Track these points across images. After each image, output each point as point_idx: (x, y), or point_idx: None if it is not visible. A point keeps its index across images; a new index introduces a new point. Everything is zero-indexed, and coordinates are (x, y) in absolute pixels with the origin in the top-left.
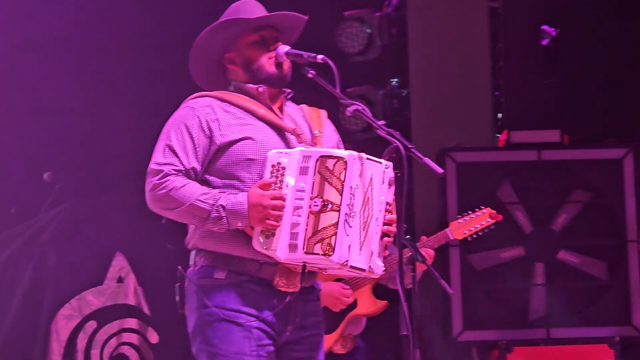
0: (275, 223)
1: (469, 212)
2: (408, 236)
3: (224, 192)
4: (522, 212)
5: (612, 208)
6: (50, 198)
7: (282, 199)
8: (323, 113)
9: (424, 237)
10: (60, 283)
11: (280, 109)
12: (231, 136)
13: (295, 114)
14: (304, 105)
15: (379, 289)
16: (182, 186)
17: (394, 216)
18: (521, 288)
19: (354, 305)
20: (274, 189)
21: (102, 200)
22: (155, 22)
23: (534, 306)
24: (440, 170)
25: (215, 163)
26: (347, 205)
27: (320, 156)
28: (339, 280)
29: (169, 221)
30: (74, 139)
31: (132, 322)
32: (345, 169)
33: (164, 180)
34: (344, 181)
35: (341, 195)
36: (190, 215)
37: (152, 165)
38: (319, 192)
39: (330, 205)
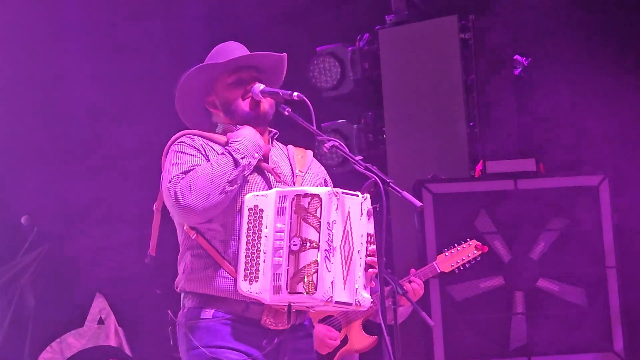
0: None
1: (455, 244)
2: (388, 270)
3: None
4: (501, 241)
5: (590, 235)
6: (28, 241)
7: None
8: (309, 153)
9: (412, 270)
10: (40, 326)
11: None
12: None
13: (279, 154)
14: (290, 146)
15: (369, 324)
16: (193, 168)
17: (373, 247)
18: (502, 317)
19: (345, 341)
20: (252, 232)
21: (80, 242)
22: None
23: (515, 335)
24: (419, 203)
25: None
26: (326, 241)
27: (296, 195)
28: (326, 317)
29: (151, 262)
30: (51, 182)
31: None
32: (321, 205)
33: (180, 178)
34: (320, 218)
35: (319, 232)
36: (220, 173)
37: (167, 184)
38: (297, 231)
39: (308, 244)
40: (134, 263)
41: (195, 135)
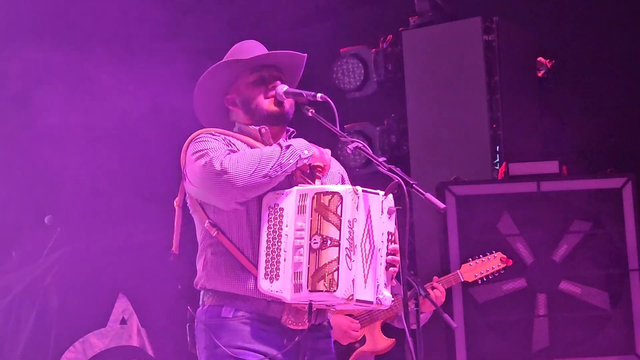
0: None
1: (480, 255)
2: (411, 272)
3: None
4: (523, 243)
5: (613, 237)
6: (52, 241)
7: None
8: (327, 152)
9: (435, 277)
10: (64, 326)
11: None
12: None
13: None
14: None
15: (388, 327)
16: (243, 151)
17: (397, 246)
18: (524, 320)
19: (362, 341)
20: (272, 231)
21: (103, 242)
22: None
23: (537, 337)
24: (442, 205)
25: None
26: (347, 239)
27: (316, 193)
28: (348, 315)
29: (176, 260)
30: (74, 181)
31: None
32: (341, 203)
33: (225, 154)
34: (340, 216)
35: (339, 230)
36: (267, 157)
37: (205, 160)
38: (317, 229)
39: (329, 241)
40: (157, 263)
41: (217, 132)
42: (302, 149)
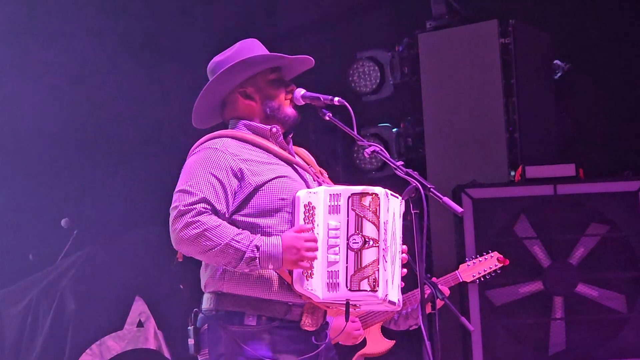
0: (307, 265)
1: (477, 255)
2: (427, 275)
3: (256, 234)
4: (540, 246)
5: (629, 240)
6: (68, 244)
7: (316, 241)
8: (305, 151)
9: (434, 279)
10: (81, 329)
11: (288, 149)
12: (264, 176)
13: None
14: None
15: (386, 329)
16: (217, 225)
17: (405, 246)
18: (540, 323)
19: (362, 344)
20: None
21: (120, 245)
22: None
23: (554, 340)
24: (460, 209)
25: (248, 203)
26: (383, 240)
27: (352, 194)
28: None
29: (184, 260)
30: (91, 184)
31: None
32: (379, 204)
33: (197, 218)
34: (379, 217)
35: (378, 230)
36: (223, 255)
37: (182, 207)
38: (357, 229)
39: (371, 242)
40: (174, 266)
41: (229, 137)
42: (267, 264)
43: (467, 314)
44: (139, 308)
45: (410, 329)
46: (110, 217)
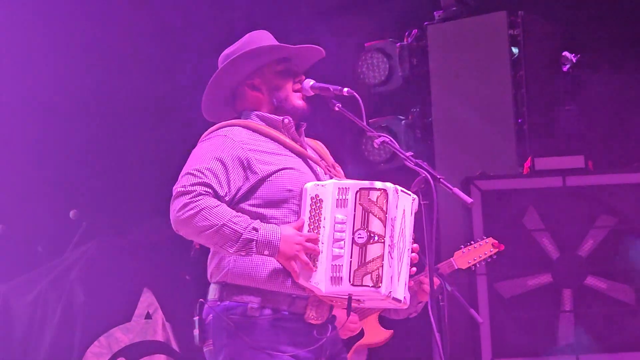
0: (296, 267)
1: (472, 242)
2: (437, 267)
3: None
4: (549, 238)
5: (639, 232)
6: (77, 236)
7: (317, 242)
8: (321, 144)
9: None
10: (89, 320)
11: (301, 141)
12: (272, 167)
13: (307, 146)
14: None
15: (385, 318)
16: (216, 206)
17: (416, 245)
18: (549, 315)
19: (360, 335)
20: (312, 222)
21: (128, 236)
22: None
23: (563, 332)
24: (470, 200)
25: (254, 193)
26: (390, 236)
27: (361, 188)
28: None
29: (197, 254)
30: (99, 176)
31: (161, 359)
32: (387, 200)
33: (196, 199)
34: (386, 213)
35: (385, 226)
36: (219, 237)
37: (180, 187)
38: (362, 224)
39: (377, 237)
40: (182, 258)
41: (240, 126)
42: (263, 249)
43: (476, 306)
44: (147, 300)
45: (410, 317)
46: (119, 209)
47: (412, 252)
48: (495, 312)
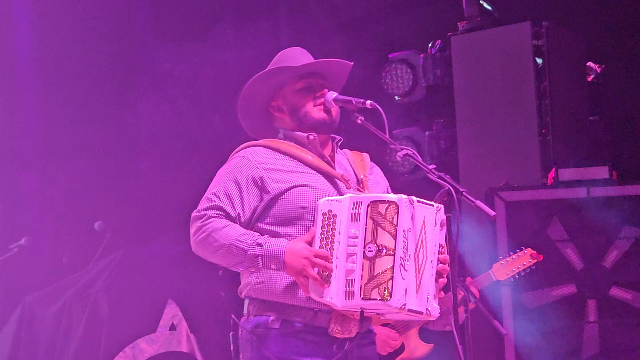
0: (305, 281)
1: (510, 252)
2: (461, 278)
3: (266, 235)
4: (573, 249)
5: None
6: (102, 247)
7: (327, 258)
8: (366, 156)
9: (468, 279)
10: (114, 331)
11: (332, 155)
12: (285, 185)
13: (342, 160)
14: (346, 150)
15: (423, 331)
16: (224, 227)
17: (447, 256)
18: (574, 326)
19: (401, 349)
20: (325, 237)
21: (152, 248)
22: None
23: (587, 344)
24: (492, 212)
25: (269, 211)
26: (402, 248)
27: (371, 202)
28: (385, 325)
29: (225, 272)
30: (124, 188)
31: None
32: (397, 212)
33: (206, 222)
34: (396, 225)
35: (395, 239)
36: (230, 255)
37: (195, 212)
38: (372, 238)
39: (385, 250)
40: (206, 270)
41: (261, 146)
42: (270, 263)
43: (500, 317)
44: (171, 311)
45: (446, 329)
46: (143, 220)
47: (440, 263)
48: (519, 323)
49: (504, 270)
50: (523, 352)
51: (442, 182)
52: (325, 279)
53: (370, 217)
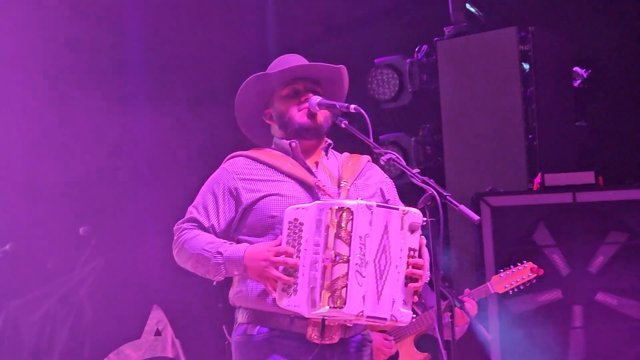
0: (270, 284)
1: (511, 266)
2: (446, 283)
3: (232, 242)
4: (559, 254)
5: None
6: (87, 253)
7: (288, 254)
8: (363, 159)
9: (467, 290)
10: (99, 337)
11: (318, 162)
12: (256, 194)
13: (332, 165)
14: (345, 153)
15: (422, 340)
16: (193, 237)
17: (420, 260)
18: (560, 331)
19: (395, 357)
20: (292, 246)
21: (137, 253)
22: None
23: (573, 349)
24: (476, 217)
25: (245, 222)
26: (357, 255)
27: (330, 208)
28: (382, 331)
29: (218, 282)
30: (109, 194)
31: None
32: (352, 219)
33: (180, 234)
34: (351, 231)
35: (349, 246)
36: (201, 265)
37: (175, 226)
38: (331, 245)
39: (339, 258)
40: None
41: (243, 156)
42: (233, 269)
43: (486, 323)
44: (156, 316)
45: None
46: (128, 226)
47: (413, 267)
48: (505, 328)
49: (502, 283)
50: (509, 358)
51: (426, 186)
52: (291, 275)
53: (330, 224)
